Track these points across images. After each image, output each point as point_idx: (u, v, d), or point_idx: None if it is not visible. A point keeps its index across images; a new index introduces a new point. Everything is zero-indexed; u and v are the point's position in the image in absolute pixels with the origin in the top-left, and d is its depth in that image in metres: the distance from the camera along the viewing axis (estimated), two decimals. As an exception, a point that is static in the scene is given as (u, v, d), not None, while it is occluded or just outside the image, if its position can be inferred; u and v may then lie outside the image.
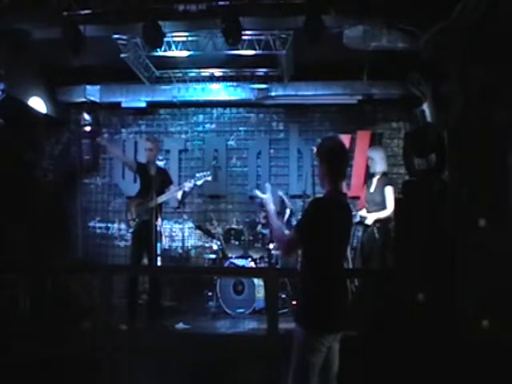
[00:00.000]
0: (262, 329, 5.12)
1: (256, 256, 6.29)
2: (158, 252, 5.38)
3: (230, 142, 7.52)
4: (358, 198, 6.42)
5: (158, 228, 5.40)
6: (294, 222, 6.02)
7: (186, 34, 5.63)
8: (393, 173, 6.71)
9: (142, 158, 6.21)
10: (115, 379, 4.08)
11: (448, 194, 3.87)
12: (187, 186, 5.61)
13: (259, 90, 6.93)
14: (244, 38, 5.36)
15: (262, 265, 6.22)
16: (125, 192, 7.35)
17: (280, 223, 2.91)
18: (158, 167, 5.67)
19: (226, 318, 5.89)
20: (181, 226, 7.20)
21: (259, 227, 6.46)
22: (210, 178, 5.82)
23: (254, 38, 5.65)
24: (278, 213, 3.04)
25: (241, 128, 7.53)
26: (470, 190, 3.70)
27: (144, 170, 5.60)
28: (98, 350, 4.16)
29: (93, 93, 7.09)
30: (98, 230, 7.60)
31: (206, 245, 7.24)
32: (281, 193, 6.64)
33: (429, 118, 5.66)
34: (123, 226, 7.31)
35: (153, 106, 7.47)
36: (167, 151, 7.45)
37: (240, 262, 6.18)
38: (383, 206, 5.41)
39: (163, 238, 6.26)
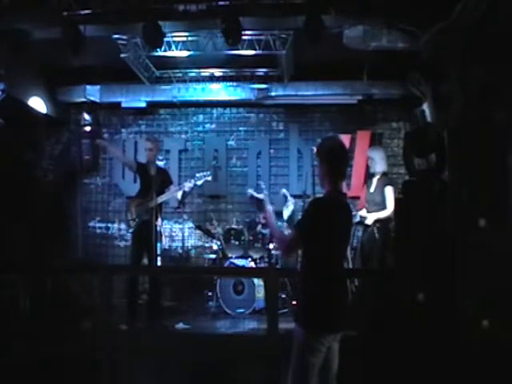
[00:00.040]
0: (261, 329, 5.12)
1: (256, 256, 6.29)
2: (158, 252, 5.38)
3: (230, 142, 7.52)
4: (358, 198, 6.42)
5: (158, 228, 5.40)
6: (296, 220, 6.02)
7: (186, 33, 5.64)
8: (393, 173, 6.71)
9: (142, 158, 6.21)
10: (115, 379, 4.08)
11: (448, 193, 3.87)
12: (187, 185, 5.61)
13: (259, 89, 6.93)
14: (244, 37, 5.36)
15: (262, 265, 6.22)
16: (125, 192, 7.35)
17: (277, 226, 2.91)
18: (158, 167, 5.67)
19: (225, 318, 5.89)
20: (181, 226, 7.20)
21: (259, 227, 6.46)
22: (210, 178, 5.82)
23: (253, 37, 5.65)
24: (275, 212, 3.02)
25: (241, 128, 7.53)
26: (470, 190, 3.70)
27: (144, 170, 5.60)
28: (97, 350, 4.16)
29: (93, 93, 7.09)
30: (98, 230, 7.60)
31: (206, 245, 7.24)
32: (284, 190, 6.66)
33: (429, 118, 5.67)
34: (123, 226, 7.31)
35: (153, 106, 7.47)
36: (167, 151, 7.45)
37: (240, 262, 6.18)
38: (383, 206, 5.41)
39: (163, 237, 6.27)
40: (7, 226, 5.59)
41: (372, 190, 5.61)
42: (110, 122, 7.69)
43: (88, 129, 7.13)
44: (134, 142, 7.56)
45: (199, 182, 5.71)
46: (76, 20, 4.93)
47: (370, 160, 5.75)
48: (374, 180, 5.64)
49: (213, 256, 6.45)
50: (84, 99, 7.11)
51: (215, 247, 6.50)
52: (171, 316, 5.86)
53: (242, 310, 5.93)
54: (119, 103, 7.24)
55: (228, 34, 4.93)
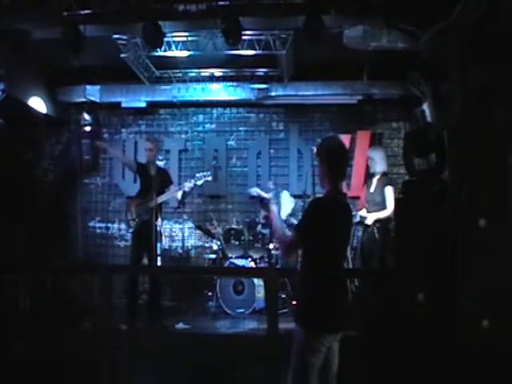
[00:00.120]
0: (261, 329, 5.12)
1: (256, 256, 6.29)
2: (158, 252, 5.37)
3: (230, 142, 7.52)
4: (358, 198, 6.42)
5: (158, 228, 5.40)
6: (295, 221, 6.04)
7: (186, 33, 5.64)
8: (393, 173, 6.71)
9: (142, 158, 6.21)
10: (115, 379, 4.08)
11: (448, 193, 3.87)
12: (187, 185, 5.61)
13: (259, 89, 6.93)
14: (244, 37, 5.36)
15: (262, 265, 6.22)
16: (125, 192, 7.35)
17: (281, 223, 2.91)
18: (158, 167, 5.67)
19: (225, 318, 5.89)
20: (181, 226, 7.20)
21: (259, 227, 6.47)
22: (210, 178, 5.82)
23: (253, 37, 5.65)
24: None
25: (241, 128, 7.53)
26: (470, 190, 3.70)
27: (144, 170, 5.60)
28: (98, 350, 4.16)
29: (93, 93, 7.09)
30: (98, 230, 7.61)
31: (206, 245, 7.24)
32: (285, 191, 6.68)
33: (429, 118, 5.66)
34: (123, 226, 7.32)
35: (153, 106, 7.47)
36: (167, 151, 7.46)
37: (240, 262, 6.18)
38: (383, 206, 5.41)
39: (163, 237, 6.27)
40: (7, 225, 5.59)
41: (372, 189, 5.61)
42: (109, 122, 7.69)
43: (88, 129, 7.14)
44: (134, 142, 7.57)
45: (199, 182, 5.71)
46: (76, 20, 4.93)
47: (370, 160, 5.75)
48: (374, 180, 5.64)
49: (213, 256, 6.45)
50: (84, 99, 7.11)
51: (215, 247, 6.49)
52: (171, 316, 5.86)
53: (241, 310, 5.93)
54: (119, 103, 7.24)
55: (228, 34, 4.93)
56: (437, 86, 5.38)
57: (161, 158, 6.07)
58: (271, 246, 6.15)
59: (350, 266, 5.54)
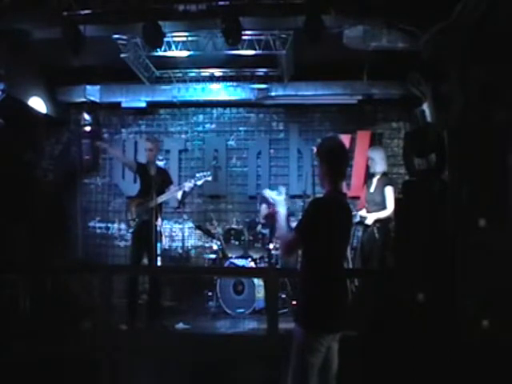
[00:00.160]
0: (261, 329, 5.12)
1: (256, 256, 6.29)
2: (158, 252, 5.37)
3: (230, 142, 7.52)
4: (358, 198, 6.42)
5: (158, 228, 5.40)
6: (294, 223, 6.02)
7: (186, 33, 5.64)
8: (393, 173, 6.71)
9: (142, 158, 6.21)
10: (115, 379, 4.08)
11: (448, 193, 3.87)
12: (187, 185, 5.61)
13: (259, 89, 6.93)
14: (244, 37, 5.36)
15: (262, 265, 6.22)
16: (125, 192, 7.35)
17: (286, 224, 2.90)
18: (158, 167, 5.68)
19: (225, 318, 5.89)
20: (181, 226, 7.20)
21: (259, 227, 6.47)
22: (210, 178, 5.82)
23: (254, 37, 5.65)
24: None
25: (241, 128, 7.53)
26: (470, 190, 3.70)
27: (144, 170, 5.60)
28: (98, 350, 4.16)
29: (93, 93, 7.09)
30: (98, 230, 7.61)
31: (206, 245, 7.24)
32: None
33: (429, 118, 5.66)
34: (123, 226, 7.31)
35: (153, 106, 7.47)
36: (167, 151, 7.46)
37: (240, 262, 6.18)
38: (383, 206, 5.41)
39: (163, 237, 6.26)
40: (7, 225, 5.59)
41: (372, 190, 5.61)
42: (109, 122, 7.69)
43: (88, 129, 7.14)
44: (134, 142, 7.56)
45: (199, 182, 5.70)
46: (76, 20, 4.93)
47: (370, 160, 5.75)
48: (374, 180, 5.64)
49: (213, 256, 6.45)
50: (84, 99, 7.11)
51: (215, 247, 6.49)
52: (171, 316, 5.86)
53: (241, 310, 5.93)
54: (119, 103, 7.24)
55: (228, 34, 4.93)
56: (437, 86, 5.38)
57: (161, 158, 6.08)
58: (271, 246, 6.15)
59: (350, 265, 5.54)
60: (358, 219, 5.57)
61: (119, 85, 7.13)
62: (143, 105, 7.26)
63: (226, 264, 6.22)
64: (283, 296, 6.03)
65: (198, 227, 6.95)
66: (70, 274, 5.45)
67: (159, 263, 5.42)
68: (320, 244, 2.69)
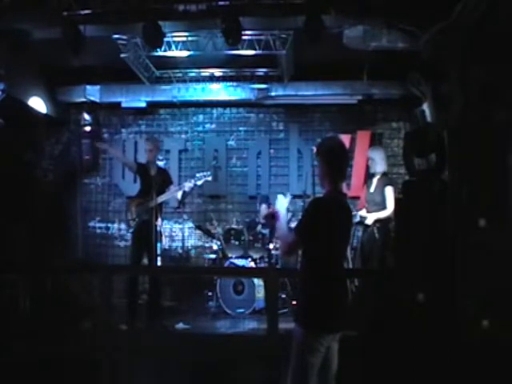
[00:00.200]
0: (261, 329, 5.12)
1: (256, 256, 6.29)
2: (158, 252, 5.37)
3: (230, 142, 7.52)
4: (358, 198, 6.42)
5: (158, 228, 5.40)
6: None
7: (186, 33, 5.64)
8: (393, 173, 6.71)
9: (142, 158, 6.22)
10: (115, 379, 4.08)
11: (448, 193, 3.87)
12: (187, 185, 5.60)
13: (259, 89, 6.93)
14: (244, 37, 5.36)
15: (262, 265, 6.22)
16: (125, 192, 7.35)
17: (286, 224, 2.90)
18: (159, 167, 5.68)
19: (225, 318, 5.89)
20: (181, 226, 7.20)
21: (259, 227, 6.47)
22: (210, 178, 5.82)
23: (254, 37, 5.65)
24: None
25: (241, 128, 7.53)
26: (470, 190, 3.70)
27: (144, 170, 5.60)
28: (98, 350, 4.16)
29: (93, 93, 7.09)
30: (98, 230, 7.60)
31: (206, 245, 7.24)
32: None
33: (429, 118, 5.66)
34: (123, 226, 7.31)
35: (153, 106, 7.47)
36: (167, 151, 7.46)
37: (240, 262, 6.18)
38: (383, 206, 5.41)
39: (163, 237, 6.26)
40: (7, 225, 5.59)
41: (372, 190, 5.61)
42: (109, 122, 7.69)
43: (88, 129, 7.14)
44: (134, 142, 7.56)
45: (199, 182, 5.71)
46: (76, 20, 4.93)
47: (371, 160, 5.75)
48: (374, 180, 5.64)
49: (213, 256, 6.45)
50: (84, 99, 7.11)
51: (215, 247, 6.49)
52: (171, 316, 5.86)
53: (241, 310, 5.93)
54: (119, 103, 7.24)
55: (228, 34, 4.93)
56: (437, 86, 5.38)
57: (161, 158, 6.08)
58: (271, 246, 6.15)
59: (350, 266, 5.54)
60: (358, 219, 5.57)
61: (119, 85, 7.13)
62: (143, 105, 7.25)
63: (226, 264, 6.22)
64: (283, 296, 6.03)
65: (197, 227, 6.95)
66: (70, 274, 5.45)
67: (159, 263, 5.42)
68: (320, 244, 2.69)
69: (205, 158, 7.45)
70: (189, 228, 7.33)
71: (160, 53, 5.77)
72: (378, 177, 5.62)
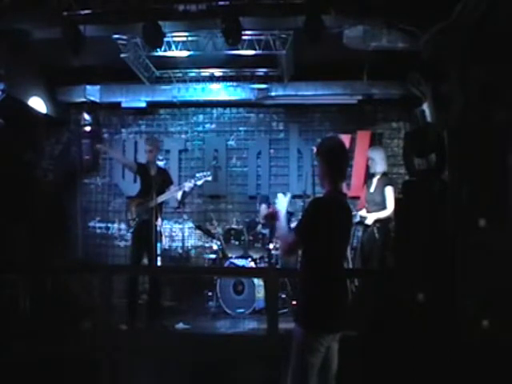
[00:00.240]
0: (261, 329, 5.12)
1: (256, 256, 6.29)
2: (158, 252, 5.37)
3: (230, 142, 7.52)
4: (358, 198, 6.42)
5: (158, 228, 5.40)
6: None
7: (186, 33, 5.63)
8: (393, 173, 6.71)
9: (142, 158, 6.22)
10: (115, 379, 4.08)
11: (448, 193, 3.87)
12: (187, 185, 5.60)
13: (259, 89, 6.93)
14: (244, 37, 5.36)
15: (262, 265, 6.22)
16: (125, 192, 7.35)
17: (285, 223, 2.90)
18: (159, 167, 5.68)
19: (225, 318, 5.89)
20: (181, 226, 7.20)
21: (259, 227, 6.47)
22: (210, 178, 5.82)
23: (254, 37, 5.65)
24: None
25: (241, 128, 7.53)
26: (470, 190, 3.70)
27: (144, 170, 5.60)
28: (98, 350, 4.16)
29: (93, 93, 7.09)
30: (98, 230, 7.60)
31: (206, 245, 7.24)
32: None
33: (429, 118, 5.66)
34: (123, 226, 7.31)
35: (153, 106, 7.47)
36: (167, 151, 7.46)
37: (240, 262, 6.17)
38: (383, 206, 5.41)
39: (163, 237, 6.26)
40: (7, 225, 5.59)
41: (372, 190, 5.61)
42: (109, 122, 7.69)
43: (88, 129, 7.14)
44: (134, 142, 7.56)
45: (199, 182, 5.70)
46: (76, 20, 4.93)
47: (371, 160, 5.75)
48: (374, 180, 5.64)
49: (213, 256, 6.45)
50: (84, 99, 7.11)
51: (215, 247, 6.49)
52: (171, 316, 5.86)
53: (241, 310, 5.93)
54: (119, 103, 7.24)
55: (228, 34, 4.93)
56: (437, 86, 5.38)
57: (161, 158, 6.07)
58: (271, 246, 6.15)
59: (350, 266, 5.54)
60: (358, 219, 5.57)
61: (119, 85, 7.13)
62: (143, 105, 7.25)
63: (226, 264, 6.22)
64: (283, 296, 6.03)
65: (198, 227, 6.95)
66: (70, 274, 5.45)
67: (159, 263, 5.42)
68: (320, 244, 2.69)
69: (205, 158, 7.45)
70: (189, 228, 7.33)
71: (160, 53, 5.77)
72: (377, 177, 5.62)
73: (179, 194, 5.65)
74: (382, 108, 7.23)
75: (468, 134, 3.81)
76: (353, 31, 5.10)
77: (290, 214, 6.35)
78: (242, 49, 5.70)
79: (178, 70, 6.90)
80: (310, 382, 2.62)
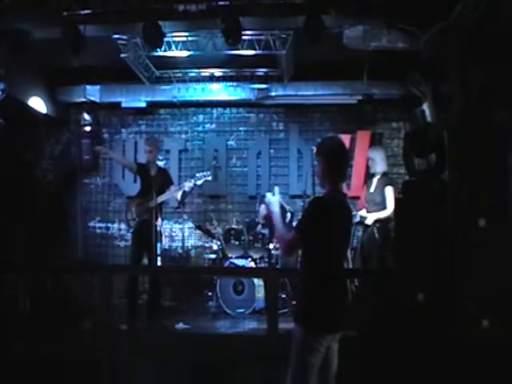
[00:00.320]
0: (261, 329, 5.13)
1: (256, 256, 6.29)
2: (158, 252, 5.37)
3: (230, 142, 7.52)
4: (358, 198, 6.42)
5: (158, 228, 5.40)
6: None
7: (186, 33, 5.63)
8: (393, 173, 6.71)
9: (142, 158, 6.21)
10: (115, 379, 4.08)
11: (448, 194, 3.87)
12: (187, 185, 5.60)
13: (259, 89, 6.93)
14: (244, 37, 5.36)
15: (262, 265, 6.22)
16: (125, 192, 7.35)
17: (282, 223, 2.90)
18: (159, 167, 5.68)
19: (225, 318, 5.89)
20: (181, 226, 7.20)
21: (259, 227, 6.47)
22: (210, 178, 5.82)
23: (254, 37, 5.65)
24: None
25: (241, 128, 7.53)
26: (470, 190, 3.70)
27: (144, 170, 5.60)
28: (98, 350, 4.16)
29: (93, 93, 7.09)
30: (98, 230, 7.60)
31: (206, 245, 7.24)
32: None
33: (429, 118, 5.66)
34: (123, 226, 7.31)
35: (153, 106, 7.47)
36: (167, 151, 7.46)
37: (240, 262, 6.17)
38: (383, 206, 5.41)
39: (163, 237, 6.26)
40: (7, 226, 5.59)
41: (372, 190, 5.61)
42: (109, 122, 7.69)
43: (88, 129, 7.14)
44: (134, 142, 7.56)
45: (199, 182, 5.71)
46: (76, 20, 4.93)
47: (371, 160, 5.75)
48: (374, 180, 5.64)
49: (213, 256, 6.45)
50: (84, 99, 7.11)
51: (215, 247, 6.49)
52: (171, 316, 5.86)
53: (242, 310, 5.93)
54: (119, 103, 7.23)
55: (228, 34, 4.93)
56: (437, 86, 5.38)
57: (161, 158, 6.07)
58: (271, 245, 6.15)
59: (350, 266, 5.54)
60: (358, 219, 5.57)
61: (119, 85, 7.13)
62: (143, 105, 7.25)
63: (226, 264, 6.22)
64: (283, 296, 6.03)
65: (198, 227, 6.95)
66: (70, 274, 5.45)
67: (159, 263, 5.42)
68: (320, 244, 2.68)
69: (205, 157, 7.45)
70: (189, 228, 7.33)
71: (160, 53, 5.77)
72: (378, 177, 5.62)
73: (179, 194, 5.65)
74: (381, 108, 7.23)
75: (468, 134, 3.82)
76: (353, 31, 5.10)
77: (290, 214, 6.39)
78: (242, 49, 5.70)
79: (177, 70, 6.90)
80: (309, 382, 2.62)
